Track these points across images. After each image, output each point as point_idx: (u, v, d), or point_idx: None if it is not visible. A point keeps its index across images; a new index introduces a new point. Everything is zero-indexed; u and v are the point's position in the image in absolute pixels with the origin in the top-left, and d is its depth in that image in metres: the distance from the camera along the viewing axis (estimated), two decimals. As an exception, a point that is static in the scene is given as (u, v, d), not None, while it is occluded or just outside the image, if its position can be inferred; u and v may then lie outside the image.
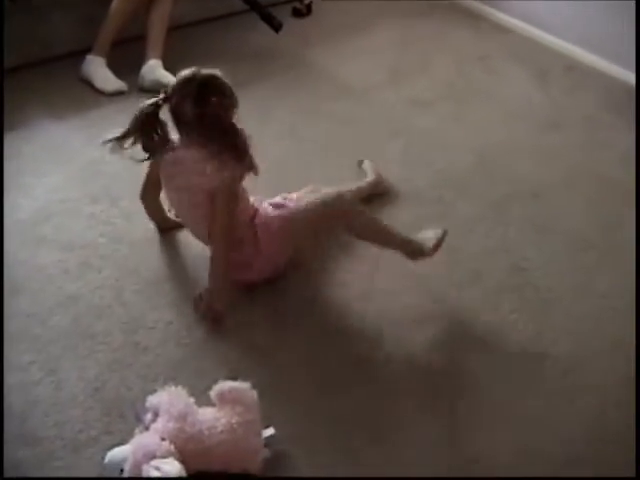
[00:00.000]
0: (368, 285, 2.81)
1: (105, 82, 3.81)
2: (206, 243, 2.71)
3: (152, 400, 2.11)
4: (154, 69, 3.81)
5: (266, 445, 2.15)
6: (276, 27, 4.12)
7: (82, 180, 3.22)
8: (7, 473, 2.04)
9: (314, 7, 4.73)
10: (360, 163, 3.27)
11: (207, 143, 2.54)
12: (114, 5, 3.80)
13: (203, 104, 2.52)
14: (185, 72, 2.58)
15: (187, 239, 2.91)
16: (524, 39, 4.59)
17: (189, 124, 2.56)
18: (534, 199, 3.29)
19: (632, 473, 2.15)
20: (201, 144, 2.55)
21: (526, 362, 2.56)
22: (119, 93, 3.80)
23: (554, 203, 3.28)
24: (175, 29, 4.02)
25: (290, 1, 4.69)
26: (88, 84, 3.81)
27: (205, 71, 2.56)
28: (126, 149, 2.61)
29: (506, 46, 4.51)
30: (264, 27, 4.21)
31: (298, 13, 4.68)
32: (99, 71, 3.81)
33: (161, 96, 2.58)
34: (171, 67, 3.80)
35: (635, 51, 3.89)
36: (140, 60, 3.84)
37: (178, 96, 2.55)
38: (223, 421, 2.08)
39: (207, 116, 2.52)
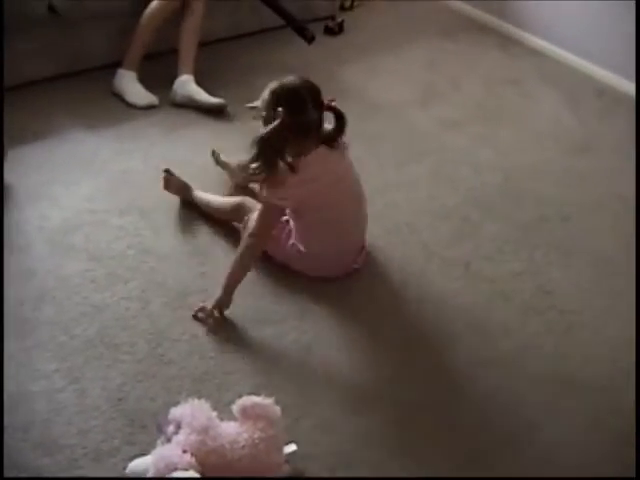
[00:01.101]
0: (395, 301, 2.81)
1: (137, 96, 3.83)
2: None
3: (175, 412, 2.11)
4: (186, 84, 3.83)
5: (287, 461, 2.15)
6: (309, 39, 4.15)
7: (112, 191, 3.24)
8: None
9: (345, 26, 4.75)
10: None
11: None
12: (143, 20, 3.82)
13: (320, 105, 2.60)
14: (281, 85, 2.59)
15: (214, 252, 2.93)
16: (555, 62, 4.58)
17: (314, 128, 2.62)
18: (561, 222, 3.28)
19: (632, 473, 2.15)
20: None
21: (551, 386, 2.54)
22: (151, 107, 3.83)
23: (581, 226, 3.26)
24: (207, 45, 4.05)
25: (322, 19, 4.71)
26: (120, 98, 3.84)
27: (291, 78, 2.62)
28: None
29: (537, 69, 4.51)
30: (295, 44, 4.24)
31: (330, 31, 4.70)
32: (130, 85, 3.84)
33: (277, 122, 2.52)
34: (203, 82, 3.85)
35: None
36: (171, 73, 3.87)
37: (298, 107, 2.56)
38: (245, 436, 2.08)
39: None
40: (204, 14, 3.93)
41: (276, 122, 2.51)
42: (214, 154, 3.32)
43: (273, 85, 2.60)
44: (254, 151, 2.53)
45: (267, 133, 2.52)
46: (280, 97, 2.56)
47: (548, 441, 2.35)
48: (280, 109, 2.52)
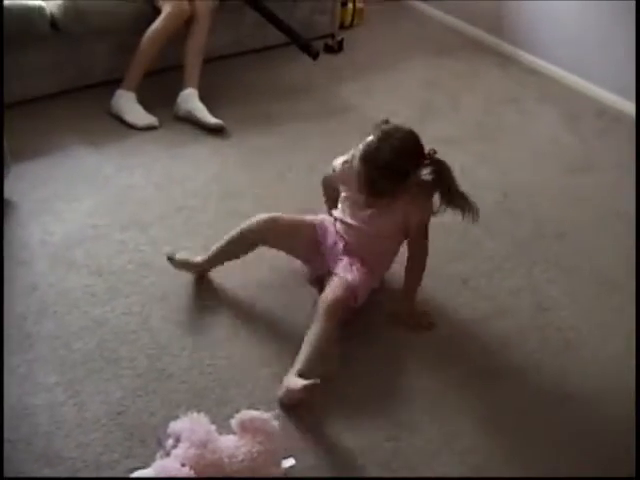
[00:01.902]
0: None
1: (136, 117, 3.82)
2: None
3: (174, 426, 2.12)
4: (189, 98, 3.86)
5: (286, 475, 2.16)
6: (313, 55, 4.22)
7: (113, 207, 3.27)
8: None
9: (345, 44, 4.79)
10: None
11: None
12: (145, 41, 3.83)
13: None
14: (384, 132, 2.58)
15: (217, 270, 2.94)
16: (554, 81, 4.61)
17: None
18: (560, 239, 3.30)
19: (632, 473, 2.16)
20: None
21: (549, 404, 2.55)
22: (150, 128, 3.82)
23: (580, 244, 3.28)
24: (209, 61, 4.08)
25: (322, 37, 4.75)
26: (119, 118, 3.84)
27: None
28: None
29: (536, 88, 4.54)
30: (296, 62, 4.29)
31: (330, 49, 4.74)
32: (129, 106, 3.84)
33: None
34: (205, 99, 3.88)
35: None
36: (171, 91, 3.90)
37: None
38: (244, 450, 2.09)
39: None
40: (210, 29, 3.96)
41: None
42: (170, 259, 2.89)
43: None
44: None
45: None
46: None
47: (546, 459, 2.36)
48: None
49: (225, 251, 2.81)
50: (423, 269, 2.80)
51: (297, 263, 2.93)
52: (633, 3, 4.07)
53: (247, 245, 2.80)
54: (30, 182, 3.33)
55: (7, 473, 2.10)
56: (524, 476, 2.31)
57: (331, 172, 2.85)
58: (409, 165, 2.56)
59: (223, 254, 2.82)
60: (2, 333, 2.60)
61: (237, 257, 2.82)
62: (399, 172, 2.53)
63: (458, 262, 3.11)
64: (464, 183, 3.57)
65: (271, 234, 2.78)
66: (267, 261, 2.94)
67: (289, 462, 2.19)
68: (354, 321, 2.72)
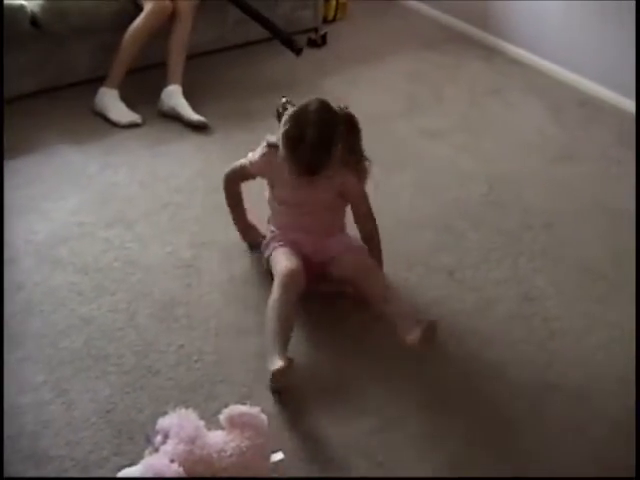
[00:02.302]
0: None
1: (119, 115, 3.81)
2: None
3: (162, 422, 2.12)
4: (173, 95, 3.86)
5: (274, 470, 2.16)
6: (297, 51, 4.23)
7: (98, 205, 3.26)
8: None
9: (329, 38, 4.79)
10: None
11: None
12: (127, 38, 3.82)
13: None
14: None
15: (199, 264, 2.94)
16: (537, 72, 4.62)
17: None
18: (545, 230, 3.31)
19: (632, 473, 2.17)
20: None
21: (535, 393, 2.56)
22: (134, 125, 3.81)
23: (565, 234, 3.30)
24: (192, 58, 4.07)
25: (305, 31, 4.74)
26: (102, 116, 3.84)
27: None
28: None
29: (519, 79, 4.55)
30: (279, 57, 4.29)
31: (313, 43, 4.74)
32: (112, 104, 3.83)
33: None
34: (189, 96, 3.87)
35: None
36: (155, 88, 3.89)
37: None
38: (232, 445, 2.09)
39: None
40: (193, 26, 3.96)
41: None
42: None
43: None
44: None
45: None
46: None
47: (532, 449, 2.37)
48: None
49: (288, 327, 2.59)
50: (379, 243, 2.86)
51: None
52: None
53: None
54: (14, 181, 3.32)
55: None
56: (515, 476, 2.30)
57: (236, 169, 2.90)
58: (333, 132, 2.60)
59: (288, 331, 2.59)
60: (2, 333, 2.59)
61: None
62: (328, 142, 2.59)
63: (444, 254, 3.12)
64: (449, 175, 3.62)
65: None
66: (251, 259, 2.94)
67: (278, 456, 2.18)
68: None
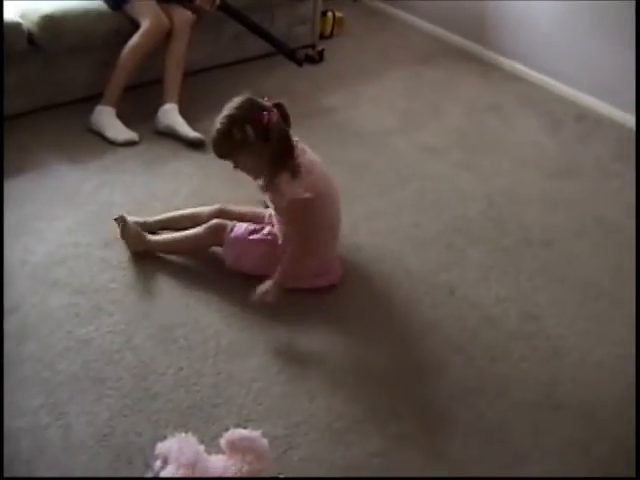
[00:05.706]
0: (380, 328, 2.81)
1: (116, 132, 3.79)
2: None
3: (161, 447, 2.09)
4: (169, 113, 3.84)
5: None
6: (299, 61, 4.24)
7: (95, 224, 3.23)
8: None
9: (326, 54, 4.78)
10: None
11: None
12: (124, 56, 3.80)
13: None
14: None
15: (197, 284, 2.92)
16: (535, 87, 4.62)
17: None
18: (545, 247, 3.29)
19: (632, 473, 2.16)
20: None
21: (538, 412, 2.54)
22: (131, 143, 3.79)
23: (565, 251, 3.28)
24: (189, 75, 4.05)
25: (303, 48, 4.74)
26: (98, 134, 3.81)
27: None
28: None
29: (517, 94, 4.55)
30: (275, 73, 4.29)
31: (310, 60, 4.73)
32: (109, 121, 3.80)
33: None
34: (185, 113, 3.85)
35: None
36: (151, 106, 3.87)
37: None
38: (233, 469, 2.06)
39: None
40: (189, 43, 3.94)
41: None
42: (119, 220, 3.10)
43: None
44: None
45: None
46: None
47: (534, 470, 2.35)
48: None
49: (174, 220, 3.14)
50: (293, 257, 2.81)
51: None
52: (613, 9, 4.09)
53: (194, 224, 3.05)
54: (10, 200, 3.28)
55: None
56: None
57: None
58: (229, 124, 2.78)
59: (171, 222, 3.14)
60: (2, 333, 2.57)
61: (180, 230, 3.08)
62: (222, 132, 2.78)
63: (444, 272, 3.10)
64: (448, 192, 3.60)
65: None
66: (249, 279, 2.91)
67: (278, 481, 2.17)
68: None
